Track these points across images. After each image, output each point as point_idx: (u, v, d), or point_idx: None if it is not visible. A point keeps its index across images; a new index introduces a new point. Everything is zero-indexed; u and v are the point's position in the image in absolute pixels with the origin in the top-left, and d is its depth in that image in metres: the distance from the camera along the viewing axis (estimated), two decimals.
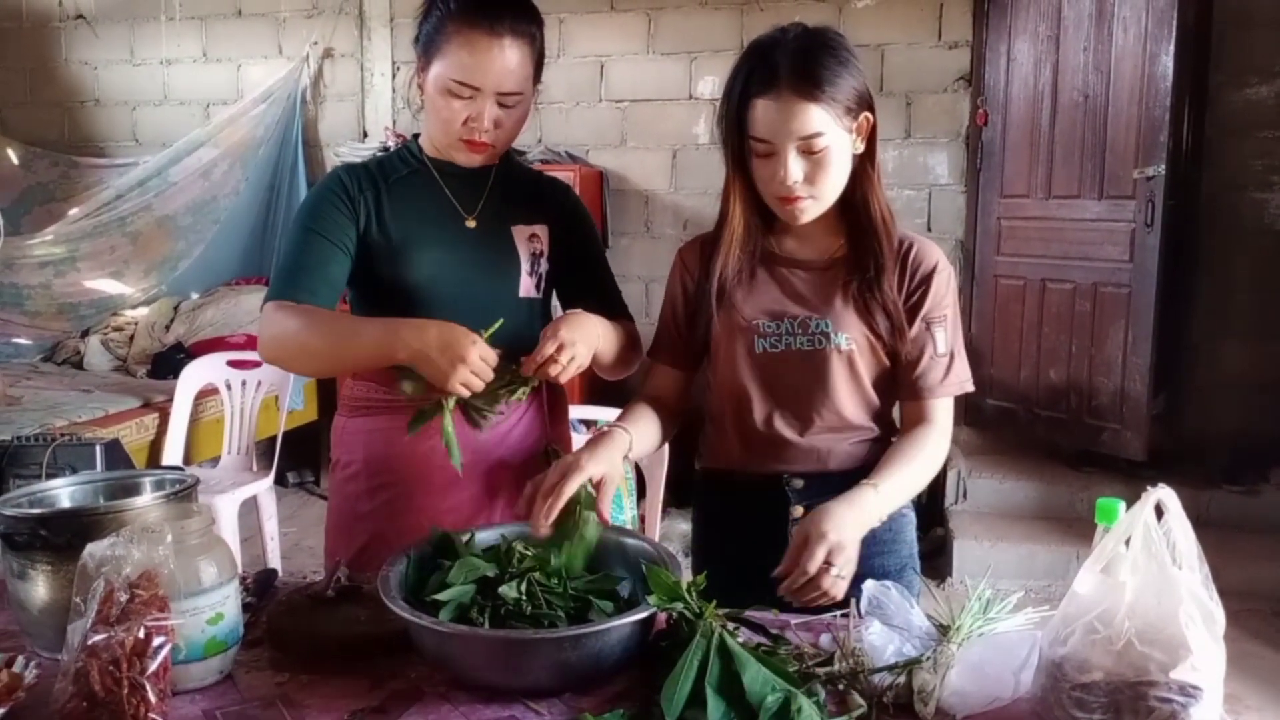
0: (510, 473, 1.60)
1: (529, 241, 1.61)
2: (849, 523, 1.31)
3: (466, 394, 1.37)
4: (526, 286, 1.60)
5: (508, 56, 1.46)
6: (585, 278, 1.68)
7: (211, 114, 5.14)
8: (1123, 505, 1.07)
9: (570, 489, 1.29)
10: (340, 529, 1.64)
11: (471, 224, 1.58)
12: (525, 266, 1.60)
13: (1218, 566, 3.39)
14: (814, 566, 1.26)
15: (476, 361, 1.34)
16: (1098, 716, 0.99)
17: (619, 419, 1.51)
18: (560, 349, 1.40)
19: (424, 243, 1.55)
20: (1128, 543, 1.02)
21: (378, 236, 1.55)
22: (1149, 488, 1.02)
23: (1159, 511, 1.03)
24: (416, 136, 1.65)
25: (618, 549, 1.33)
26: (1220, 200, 4.18)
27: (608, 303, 1.65)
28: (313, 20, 5.04)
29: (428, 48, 1.51)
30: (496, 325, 1.43)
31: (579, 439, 1.98)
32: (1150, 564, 1.00)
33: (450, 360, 1.33)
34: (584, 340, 1.43)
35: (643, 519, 2.54)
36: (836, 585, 1.28)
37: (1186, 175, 3.98)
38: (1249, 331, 4.20)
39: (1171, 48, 3.59)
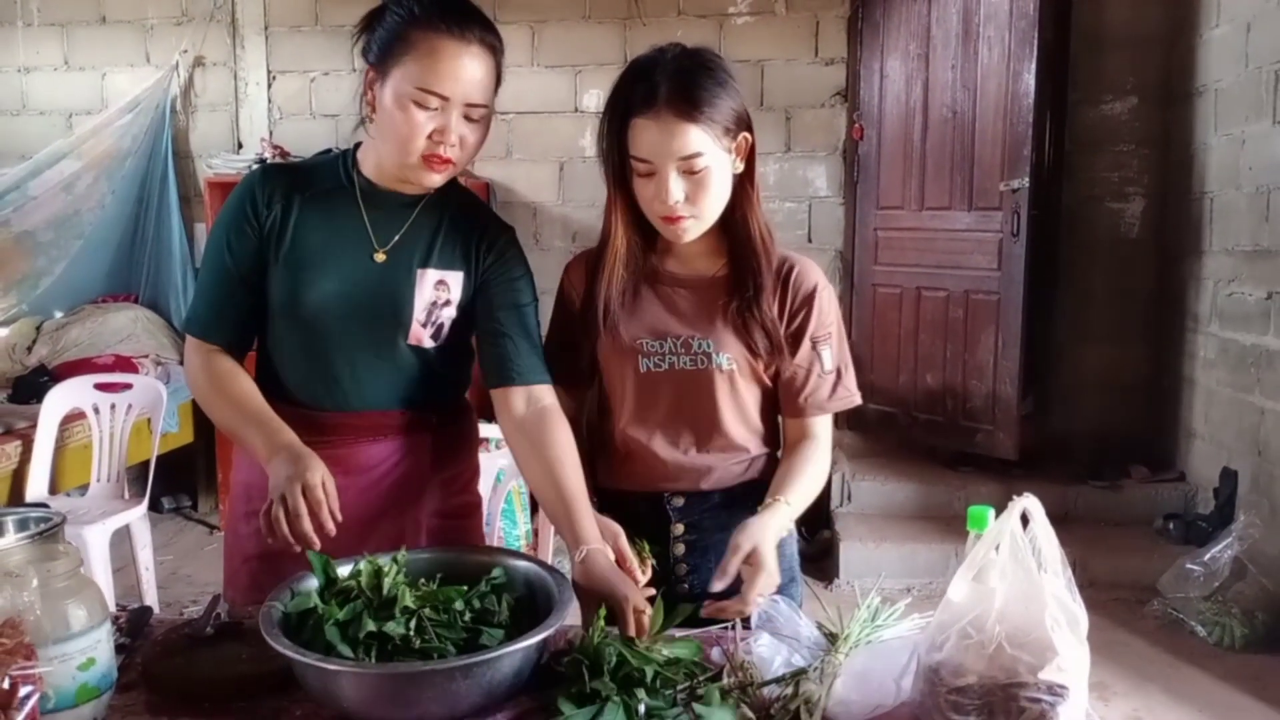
0: (379, 520, 1.54)
1: (435, 288, 1.50)
2: (773, 537, 1.37)
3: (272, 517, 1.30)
4: (417, 335, 1.50)
5: (476, 63, 1.38)
6: (498, 333, 1.52)
7: (74, 124, 4.91)
8: (992, 512, 1.12)
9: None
10: (228, 549, 1.62)
11: (381, 258, 1.49)
12: (419, 315, 1.50)
13: (1086, 559, 3.59)
14: (777, 572, 1.32)
15: (295, 499, 1.28)
16: (972, 718, 1.04)
17: None
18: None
19: (321, 268, 1.47)
20: (998, 548, 1.07)
21: (276, 251, 1.48)
22: (1015, 497, 1.07)
23: (1025, 518, 1.08)
24: (357, 147, 1.54)
25: (509, 570, 1.32)
26: (1080, 211, 4.41)
27: (522, 366, 1.50)
28: (182, 27, 4.87)
29: (383, 58, 1.39)
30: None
31: (485, 458, 1.92)
32: (1017, 570, 1.05)
33: (282, 495, 1.30)
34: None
35: (536, 533, 2.53)
36: (765, 586, 1.33)
37: (1049, 187, 4.19)
38: (1108, 335, 4.45)
39: (1033, 66, 3.78)
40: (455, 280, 1.52)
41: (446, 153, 1.40)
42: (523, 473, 1.53)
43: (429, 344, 1.52)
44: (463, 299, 1.53)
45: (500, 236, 1.57)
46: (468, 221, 1.56)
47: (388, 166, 1.47)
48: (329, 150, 1.58)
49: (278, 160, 4.34)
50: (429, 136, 1.38)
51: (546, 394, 1.50)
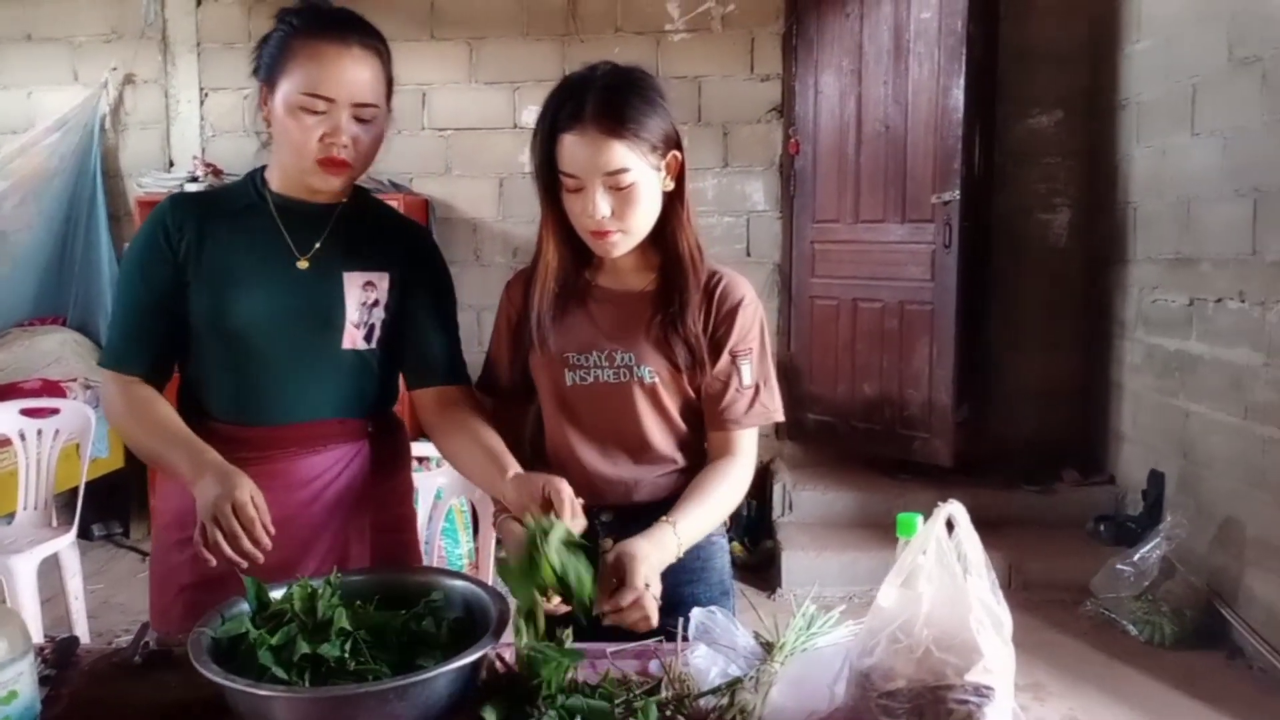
0: (320, 533, 1.55)
1: (363, 289, 1.54)
2: (653, 555, 1.34)
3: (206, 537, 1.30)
4: (352, 337, 1.53)
5: (358, 65, 1.43)
6: (421, 334, 1.59)
7: (0, 144, 4.78)
8: (921, 519, 1.14)
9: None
10: (158, 580, 1.59)
11: (303, 265, 1.51)
12: (353, 316, 1.53)
13: (1021, 562, 3.65)
14: (641, 584, 1.28)
15: (228, 519, 1.29)
16: None
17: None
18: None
19: (244, 284, 1.48)
20: (925, 554, 1.09)
21: (193, 275, 1.49)
22: (940, 503, 1.09)
23: (951, 525, 1.11)
24: (264, 169, 1.57)
25: (446, 591, 1.31)
26: (1010, 222, 4.52)
27: (444, 365, 1.59)
28: (112, 45, 4.78)
29: (271, 70, 1.45)
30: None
31: (414, 477, 1.94)
32: (944, 575, 1.08)
33: (213, 516, 1.30)
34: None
35: (478, 551, 2.52)
36: (652, 607, 1.29)
37: (979, 199, 4.28)
38: (1037, 343, 4.56)
39: (962, 81, 3.87)
40: (381, 281, 1.56)
41: (340, 154, 1.44)
42: (443, 451, 1.57)
43: (363, 346, 1.55)
44: (389, 300, 1.57)
45: (419, 237, 1.65)
46: (385, 224, 1.63)
47: (291, 175, 1.51)
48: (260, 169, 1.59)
49: (186, 190, 4.28)
50: (320, 139, 1.43)
51: (465, 394, 1.59)
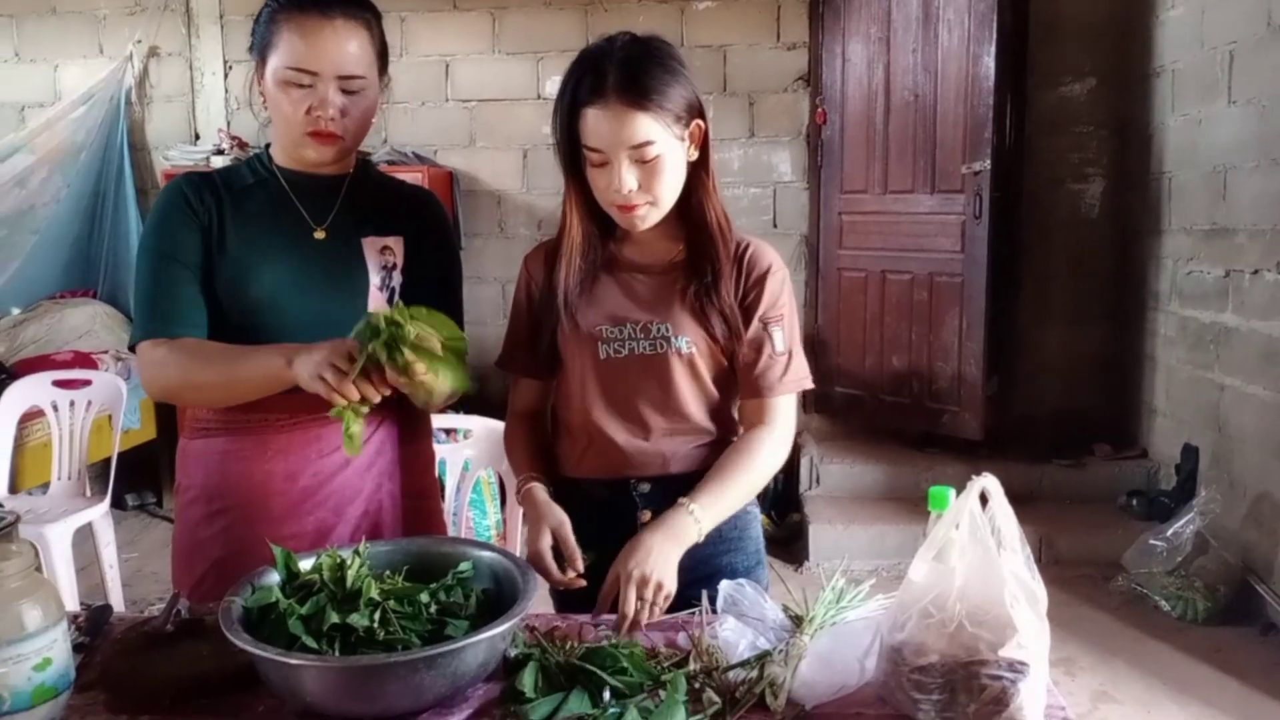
0: (354, 499, 1.55)
1: (381, 254, 1.56)
2: (656, 552, 1.35)
3: (330, 383, 1.30)
4: (377, 300, 1.54)
5: (341, 37, 1.43)
6: (431, 295, 1.56)
7: (27, 118, 4.81)
8: (953, 492, 1.13)
9: (546, 543, 1.41)
10: (184, 556, 1.58)
11: (320, 235, 1.53)
12: (375, 280, 1.54)
13: (1051, 537, 3.63)
14: (631, 609, 1.31)
15: (331, 353, 1.30)
16: (935, 697, 1.05)
17: (518, 467, 1.56)
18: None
19: (267, 256, 1.49)
20: (958, 528, 1.08)
21: (218, 250, 1.50)
22: (973, 476, 1.08)
23: (984, 498, 1.09)
24: (268, 147, 1.59)
25: (475, 562, 1.31)
26: (1040, 193, 4.45)
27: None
28: (135, 18, 4.78)
29: (262, 47, 1.47)
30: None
31: (441, 449, 1.95)
32: (977, 549, 1.06)
33: (315, 363, 1.31)
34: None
35: (505, 523, 2.52)
36: (655, 615, 1.33)
37: (1010, 169, 4.22)
38: (1067, 315, 4.50)
39: (993, 49, 3.80)
40: (398, 245, 1.58)
41: (328, 126, 1.45)
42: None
43: (386, 310, 1.53)
44: (405, 263, 1.58)
45: (428, 202, 1.67)
46: (394, 191, 1.65)
47: (288, 150, 1.53)
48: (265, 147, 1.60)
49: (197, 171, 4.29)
50: (307, 112, 1.44)
51: None
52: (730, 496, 1.47)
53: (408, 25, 4.64)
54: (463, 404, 2.40)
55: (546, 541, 1.41)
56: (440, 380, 1.33)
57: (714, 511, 1.44)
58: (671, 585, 1.35)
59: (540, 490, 1.49)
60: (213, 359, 1.44)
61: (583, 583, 1.39)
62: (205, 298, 1.50)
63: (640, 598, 1.32)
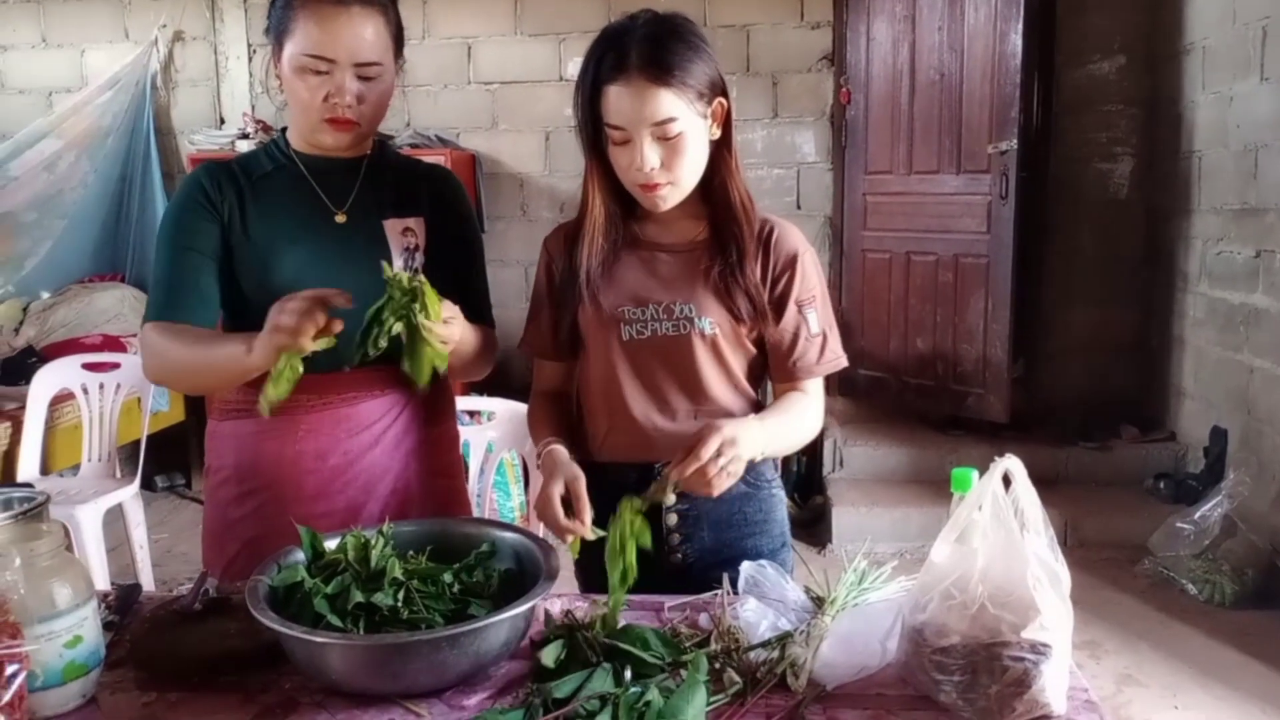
0: (384, 477, 1.57)
1: (403, 235, 1.57)
2: (743, 430, 1.32)
3: (299, 337, 1.27)
4: None
5: (358, 25, 1.43)
6: (454, 274, 1.60)
7: (54, 103, 4.86)
8: (976, 473, 1.12)
9: (558, 490, 1.37)
10: (214, 537, 1.60)
11: (341, 219, 1.54)
12: (398, 262, 1.55)
13: (1077, 519, 3.60)
14: (707, 453, 1.27)
15: (291, 305, 1.28)
16: (956, 678, 1.04)
17: (540, 436, 1.53)
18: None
19: (290, 241, 1.50)
20: (981, 509, 1.07)
21: (241, 238, 1.51)
22: (996, 458, 1.07)
23: (1007, 480, 1.08)
24: (284, 132, 1.59)
25: (497, 542, 1.32)
26: (1068, 172, 4.40)
27: (473, 305, 1.58)
28: (160, 2, 4.81)
29: (278, 32, 1.47)
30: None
31: (465, 431, 1.96)
32: (999, 531, 1.06)
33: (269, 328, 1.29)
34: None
35: (529, 504, 2.54)
36: (722, 478, 1.29)
37: (1037, 149, 4.18)
38: (1094, 297, 4.45)
39: (1020, 27, 3.75)
40: (418, 226, 1.59)
41: (344, 113, 1.46)
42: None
43: None
44: (427, 243, 1.59)
45: (445, 180, 1.67)
46: (411, 171, 1.65)
47: (305, 135, 1.54)
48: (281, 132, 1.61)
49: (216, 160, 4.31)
50: (325, 99, 1.45)
51: (491, 338, 1.64)
52: (787, 431, 1.46)
53: (430, 7, 4.64)
54: (486, 386, 2.41)
55: (558, 489, 1.37)
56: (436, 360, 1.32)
57: (774, 435, 1.41)
58: (740, 469, 1.31)
59: (561, 451, 1.46)
60: (188, 343, 1.44)
61: (586, 531, 1.34)
62: (227, 288, 1.52)
63: (719, 454, 1.27)
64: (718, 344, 1.48)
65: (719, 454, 1.27)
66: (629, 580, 1.24)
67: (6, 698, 1.00)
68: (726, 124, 1.45)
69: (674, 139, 1.38)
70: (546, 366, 1.62)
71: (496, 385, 2.37)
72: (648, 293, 1.49)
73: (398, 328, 1.29)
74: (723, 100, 1.43)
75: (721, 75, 1.43)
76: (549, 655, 1.12)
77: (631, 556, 1.25)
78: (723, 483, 1.29)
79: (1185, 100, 4.06)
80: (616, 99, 1.37)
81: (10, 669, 1.01)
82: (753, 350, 1.53)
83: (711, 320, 1.47)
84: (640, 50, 1.35)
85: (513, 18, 4.64)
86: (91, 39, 4.88)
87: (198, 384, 1.51)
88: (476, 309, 1.60)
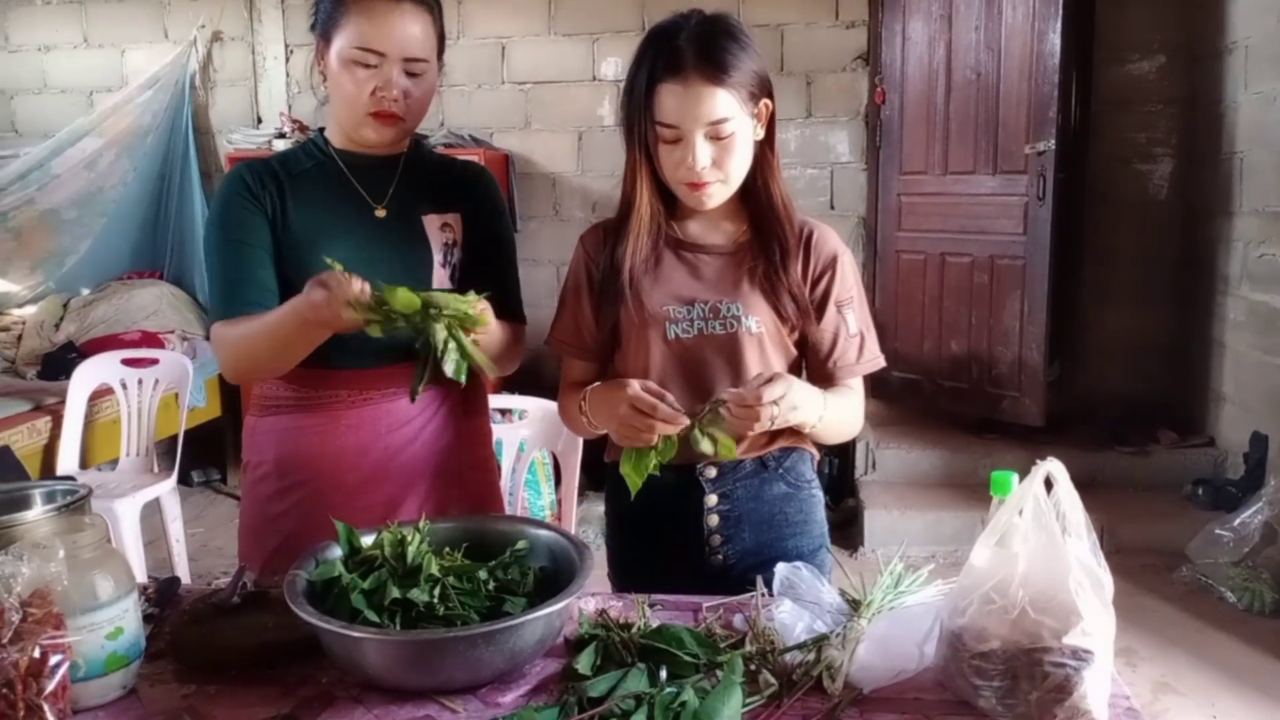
0: (423, 470, 1.58)
1: (441, 230, 1.58)
2: (806, 391, 1.37)
3: (354, 314, 1.31)
4: (440, 277, 1.57)
5: (409, 21, 1.46)
6: (487, 269, 1.61)
7: (95, 102, 4.93)
8: (1016, 477, 1.11)
9: (640, 385, 1.36)
10: (253, 532, 1.61)
11: (381, 214, 1.55)
12: (438, 257, 1.57)
13: (1113, 525, 3.55)
14: (767, 399, 1.28)
15: (332, 284, 1.31)
16: (996, 684, 1.03)
17: (574, 402, 1.53)
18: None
19: (331, 236, 1.51)
20: (1021, 513, 1.06)
21: (283, 234, 1.52)
22: (1038, 461, 1.06)
23: (1049, 483, 1.07)
24: (322, 130, 1.61)
25: (533, 540, 1.32)
26: (1106, 173, 4.34)
27: (504, 301, 1.59)
28: (199, 3, 4.86)
29: (326, 27, 1.49)
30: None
31: (497, 430, 1.96)
32: (1041, 534, 1.04)
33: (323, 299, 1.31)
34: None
35: (560, 503, 2.54)
36: (764, 415, 1.29)
37: (1074, 149, 4.12)
38: (1132, 299, 4.40)
39: (1058, 25, 3.71)
40: (456, 222, 1.61)
41: (391, 107, 1.48)
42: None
43: (449, 286, 1.57)
44: (464, 239, 1.61)
45: (480, 175, 1.69)
46: (447, 168, 1.68)
47: (348, 130, 1.55)
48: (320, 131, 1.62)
49: (255, 158, 4.35)
50: (372, 93, 1.46)
51: (520, 333, 1.66)
52: (843, 409, 1.49)
53: (465, 7, 4.66)
54: (518, 384, 2.42)
55: (638, 385, 1.35)
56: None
57: (833, 406, 1.45)
58: (788, 417, 1.33)
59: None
60: (255, 325, 1.45)
61: (686, 420, 1.32)
62: (277, 282, 1.52)
63: (775, 401, 1.28)
64: (763, 342, 1.48)
65: (775, 401, 1.29)
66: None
67: (50, 688, 1.02)
68: (770, 124, 1.45)
69: (726, 139, 1.38)
70: (575, 365, 1.61)
71: (528, 383, 2.38)
72: (693, 292, 1.49)
73: (452, 349, 1.35)
74: (768, 101, 1.43)
75: (768, 76, 1.43)
76: (584, 663, 1.12)
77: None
78: (765, 419, 1.29)
79: (1227, 100, 4.00)
80: (671, 98, 1.36)
81: (54, 659, 1.02)
82: (793, 351, 1.52)
83: (757, 319, 1.47)
84: (695, 50, 1.35)
85: (546, 18, 4.65)
86: (132, 39, 4.95)
87: (277, 360, 1.49)
88: (508, 304, 1.61)
